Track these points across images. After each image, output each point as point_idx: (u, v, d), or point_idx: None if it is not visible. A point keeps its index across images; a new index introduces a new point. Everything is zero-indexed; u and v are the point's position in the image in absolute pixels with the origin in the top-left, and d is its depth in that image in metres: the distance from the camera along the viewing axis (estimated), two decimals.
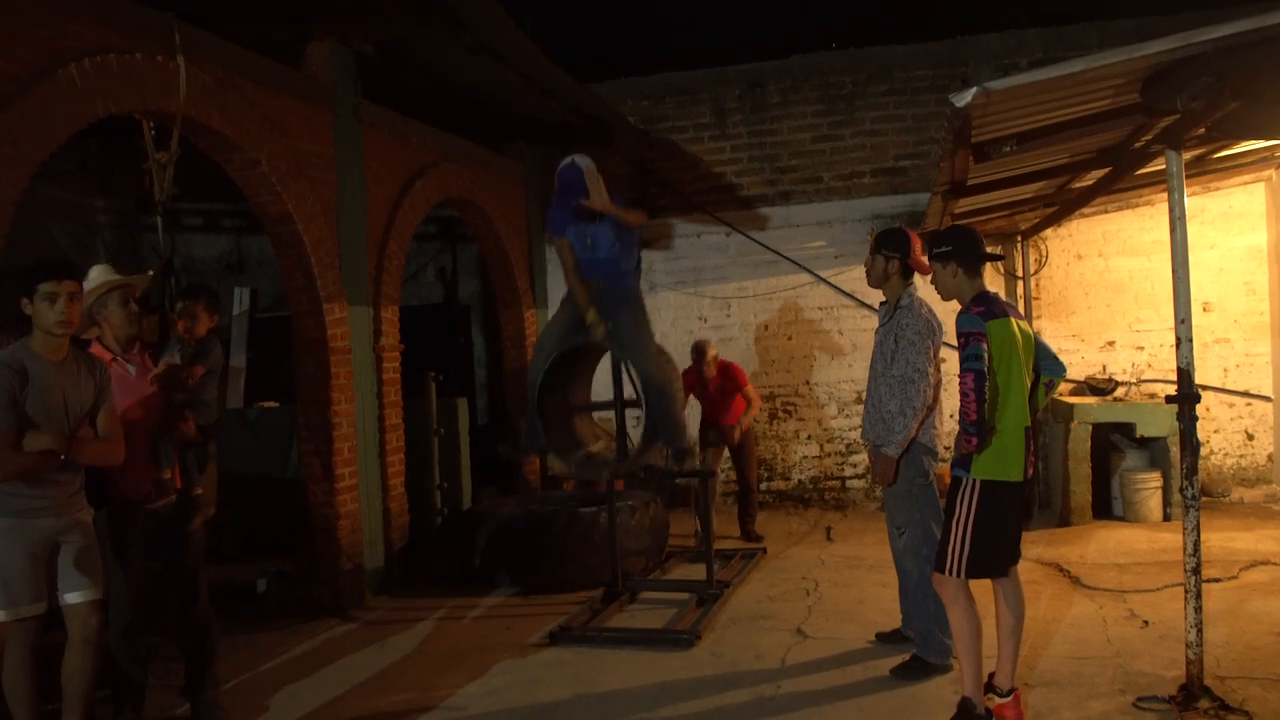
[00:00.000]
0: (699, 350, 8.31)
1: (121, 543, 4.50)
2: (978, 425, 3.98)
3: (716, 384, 8.35)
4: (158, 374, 4.70)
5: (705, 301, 10.22)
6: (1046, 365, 4.41)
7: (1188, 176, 7.30)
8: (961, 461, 4.14)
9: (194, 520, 4.94)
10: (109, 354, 4.53)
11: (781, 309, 10.10)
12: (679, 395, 6.18)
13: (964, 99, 3.96)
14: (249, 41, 6.19)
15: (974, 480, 4.11)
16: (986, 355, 4.00)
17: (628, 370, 5.94)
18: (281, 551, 7.59)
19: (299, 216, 6.53)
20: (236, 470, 7.98)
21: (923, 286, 4.98)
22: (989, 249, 4.41)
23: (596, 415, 6.88)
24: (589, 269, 5.91)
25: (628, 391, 6.20)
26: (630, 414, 6.35)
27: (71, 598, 4.05)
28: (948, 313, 5.12)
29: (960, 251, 4.24)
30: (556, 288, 9.75)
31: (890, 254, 5.02)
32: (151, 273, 4.81)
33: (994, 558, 4.17)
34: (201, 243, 11.32)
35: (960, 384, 4.01)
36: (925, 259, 4.61)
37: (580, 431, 6.52)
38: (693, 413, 8.92)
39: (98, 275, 4.52)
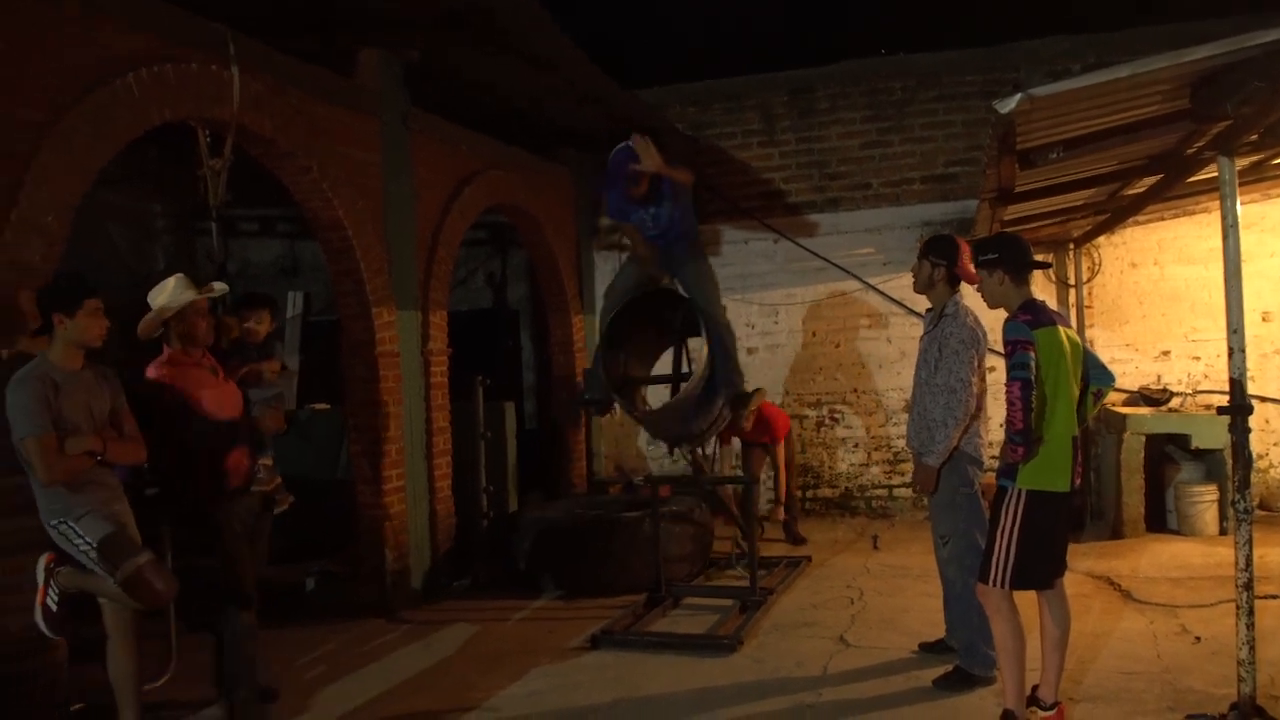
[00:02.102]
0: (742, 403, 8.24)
1: (232, 531, 4.87)
2: (1024, 434, 3.94)
3: (753, 426, 8.03)
4: (243, 375, 5.16)
5: (753, 308, 10.19)
6: (1095, 374, 4.35)
7: (1246, 183, 7.19)
8: (1007, 471, 4.10)
9: (276, 508, 5.37)
10: (190, 359, 4.79)
11: (829, 316, 10.04)
12: (734, 344, 6.65)
13: (1008, 105, 3.91)
14: (300, 51, 6.30)
15: (1020, 490, 4.06)
16: (1034, 364, 3.95)
17: (692, 308, 6.35)
18: (329, 552, 7.70)
19: (349, 222, 6.64)
20: (287, 471, 8.08)
21: (969, 294, 4.93)
22: (1038, 256, 4.36)
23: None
24: (654, 239, 6.28)
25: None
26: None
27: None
28: (995, 321, 5.10)
29: (1007, 259, 4.20)
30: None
31: (937, 260, 4.97)
32: (218, 284, 4.96)
33: (1039, 569, 4.12)
34: (257, 247, 11.54)
35: (1007, 393, 3.97)
36: (973, 268, 4.57)
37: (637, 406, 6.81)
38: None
39: (178, 287, 4.67)
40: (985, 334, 4.94)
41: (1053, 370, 4.02)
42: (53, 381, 4.08)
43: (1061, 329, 4.09)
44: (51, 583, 4.18)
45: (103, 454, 4.17)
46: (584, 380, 6.57)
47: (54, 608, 4.18)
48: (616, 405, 6.63)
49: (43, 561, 4.21)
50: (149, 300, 4.69)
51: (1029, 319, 4.04)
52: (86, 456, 4.12)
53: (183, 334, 4.75)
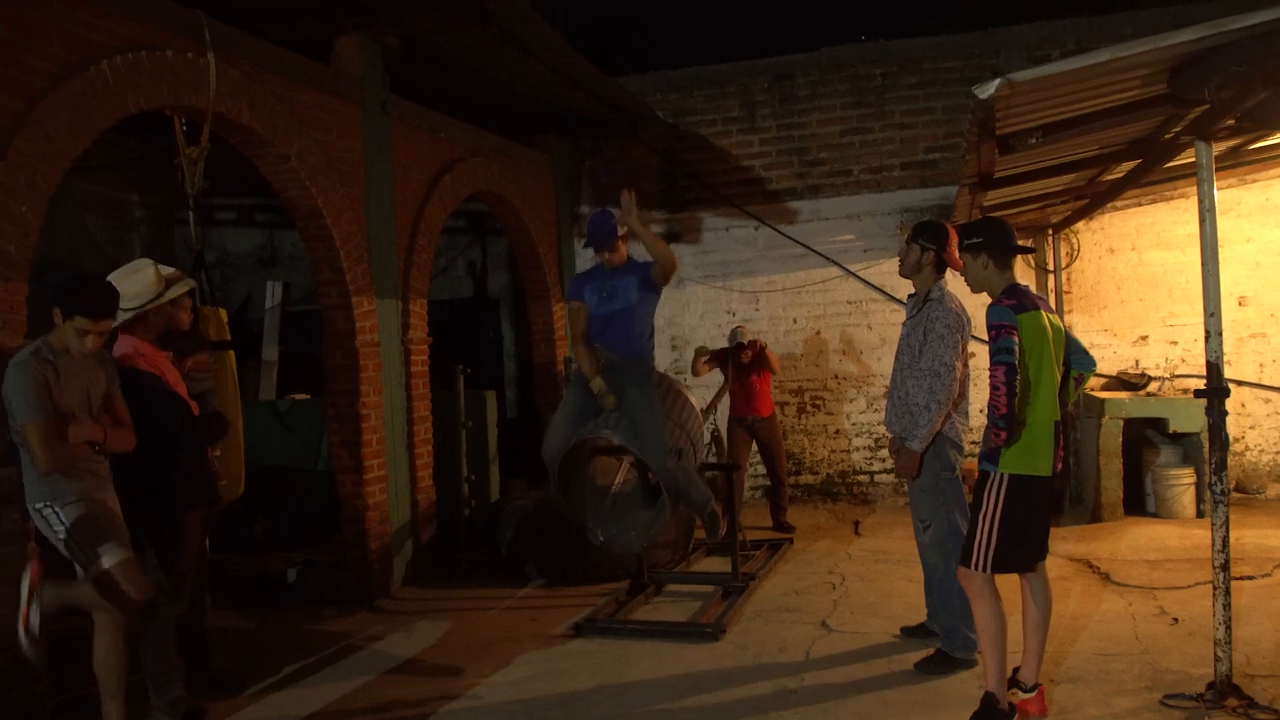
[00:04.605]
0: (736, 336, 8.38)
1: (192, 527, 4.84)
2: (1007, 419, 3.95)
3: (750, 359, 8.36)
4: (190, 368, 4.97)
5: (734, 295, 10.20)
6: (1076, 359, 4.36)
7: (1223, 168, 7.23)
8: (990, 455, 4.11)
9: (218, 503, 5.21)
10: (158, 350, 4.74)
11: (810, 303, 10.06)
12: (693, 473, 5.88)
13: (987, 90, 3.92)
14: (278, 37, 6.25)
15: (1002, 474, 4.08)
16: (1017, 348, 3.96)
17: (634, 450, 5.53)
18: (312, 542, 7.67)
19: (328, 211, 6.59)
20: (268, 461, 8.07)
21: (953, 280, 4.95)
22: (1020, 242, 4.38)
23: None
24: (600, 330, 5.67)
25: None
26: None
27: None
28: (977, 306, 5.11)
29: (992, 243, 4.20)
30: None
31: (927, 245, 4.98)
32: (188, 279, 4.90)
33: (1021, 553, 4.14)
34: (235, 237, 11.45)
35: (990, 377, 3.98)
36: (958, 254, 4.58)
37: (603, 473, 6.38)
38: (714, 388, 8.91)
39: (158, 278, 4.59)
40: (969, 319, 4.95)
41: (1035, 355, 4.04)
42: (52, 365, 4.03)
43: (1044, 313, 4.10)
44: (33, 603, 4.06)
45: (102, 443, 4.14)
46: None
47: (36, 631, 4.06)
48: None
49: (27, 580, 4.10)
50: (117, 282, 4.51)
51: (1013, 303, 4.05)
52: (86, 445, 4.09)
53: (156, 324, 4.69)
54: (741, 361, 8.39)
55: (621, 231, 5.59)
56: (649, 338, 5.78)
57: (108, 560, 4.05)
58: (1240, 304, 8.97)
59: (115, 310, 4.23)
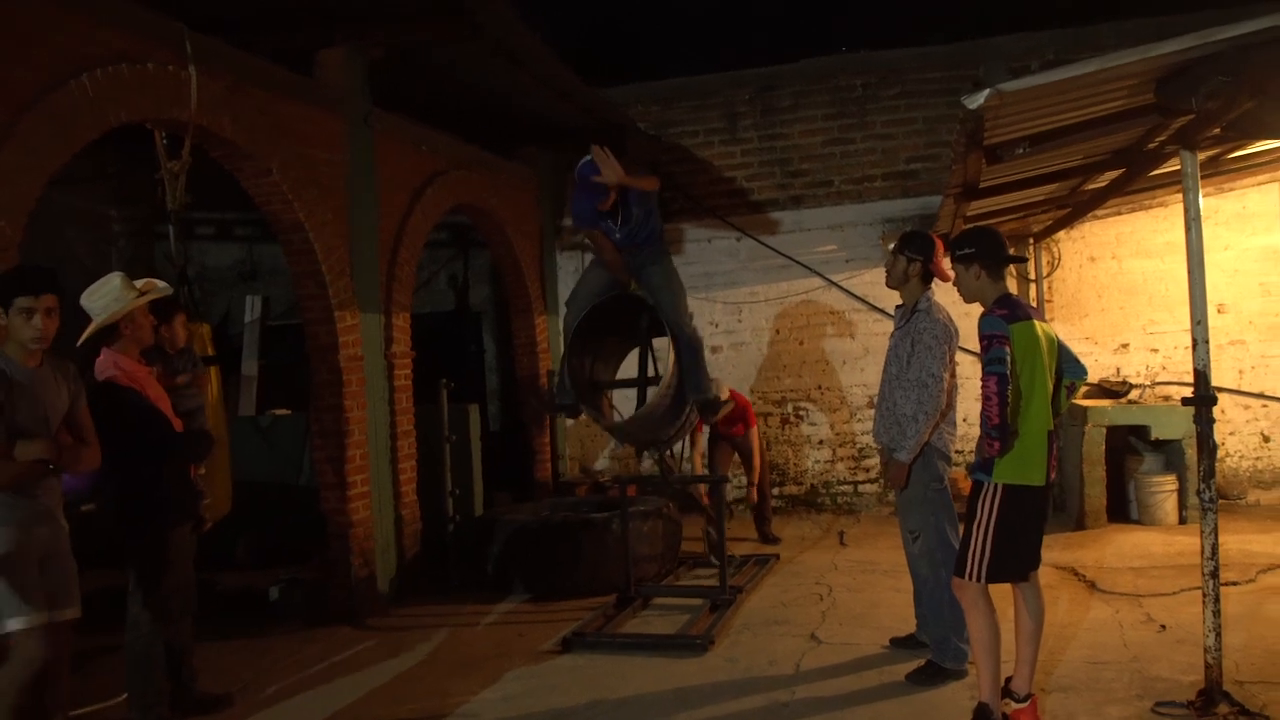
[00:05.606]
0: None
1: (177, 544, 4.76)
2: (1000, 429, 3.94)
3: (726, 416, 8.21)
4: (177, 384, 4.89)
5: (717, 306, 10.20)
6: (1069, 368, 4.35)
7: (1202, 177, 7.26)
8: (983, 466, 4.10)
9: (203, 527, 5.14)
10: (145, 366, 4.68)
11: (793, 313, 10.07)
12: (703, 349, 6.51)
13: (976, 101, 3.93)
14: (269, 49, 6.20)
15: (996, 485, 4.07)
16: (1009, 358, 3.96)
17: (659, 314, 6.22)
18: (295, 558, 7.59)
19: (310, 224, 6.54)
20: (250, 477, 7.99)
21: (940, 291, 4.95)
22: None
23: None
24: (619, 244, 6.22)
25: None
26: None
27: (67, 614, 3.96)
28: (963, 316, 5.12)
29: (984, 253, 4.20)
30: (568, 294, 9.75)
31: (914, 256, 4.99)
32: (159, 282, 4.81)
33: (1015, 563, 4.13)
34: (215, 251, 11.37)
35: (983, 387, 3.97)
36: (946, 266, 4.58)
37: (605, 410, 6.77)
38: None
39: (124, 287, 4.52)
40: (957, 330, 4.96)
41: (1028, 365, 4.03)
42: (6, 378, 3.79)
43: (1037, 323, 4.10)
44: None
45: (55, 463, 3.87)
46: (553, 385, 6.43)
47: None
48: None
49: None
50: (84, 302, 4.47)
51: (1005, 313, 4.04)
52: (38, 464, 3.81)
53: (134, 337, 4.61)
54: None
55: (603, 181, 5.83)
56: (658, 217, 6.32)
57: (12, 624, 3.75)
58: (1219, 311, 9.04)
59: (55, 284, 3.89)
